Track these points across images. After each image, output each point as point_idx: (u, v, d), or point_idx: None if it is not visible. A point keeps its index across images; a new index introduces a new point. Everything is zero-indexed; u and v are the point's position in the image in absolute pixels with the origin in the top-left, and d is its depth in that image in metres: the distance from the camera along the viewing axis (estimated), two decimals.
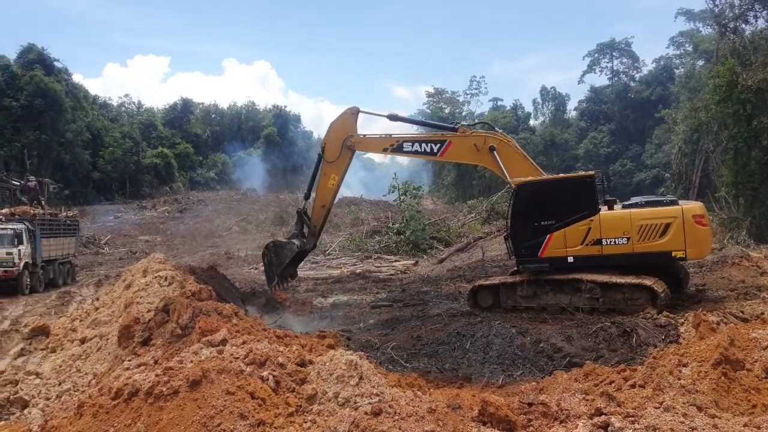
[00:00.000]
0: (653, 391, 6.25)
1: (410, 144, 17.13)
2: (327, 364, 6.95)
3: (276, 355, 6.97)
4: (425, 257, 33.54)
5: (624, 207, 14.86)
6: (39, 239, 24.96)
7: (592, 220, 14.43)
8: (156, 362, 8.20)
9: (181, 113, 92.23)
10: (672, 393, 6.12)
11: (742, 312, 12.77)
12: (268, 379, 6.47)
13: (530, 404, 6.02)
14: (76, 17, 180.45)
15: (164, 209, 64.18)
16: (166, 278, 13.63)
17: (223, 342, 7.52)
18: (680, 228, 13.72)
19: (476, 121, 60.08)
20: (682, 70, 75.48)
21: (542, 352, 11.76)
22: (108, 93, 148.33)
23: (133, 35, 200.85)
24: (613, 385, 6.81)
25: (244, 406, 5.89)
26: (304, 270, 21.11)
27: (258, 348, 7.12)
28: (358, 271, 28.34)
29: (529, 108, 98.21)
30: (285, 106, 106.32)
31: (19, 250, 23.51)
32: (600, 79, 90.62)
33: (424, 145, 16.97)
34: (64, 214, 30.18)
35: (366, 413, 5.69)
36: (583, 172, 16.69)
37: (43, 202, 28.86)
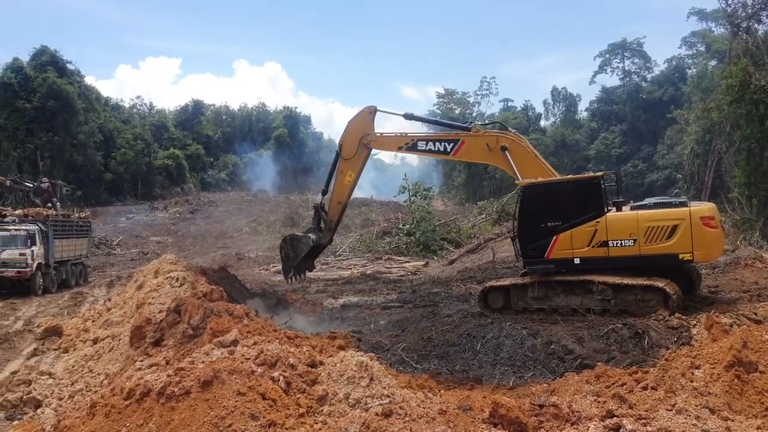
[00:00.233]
0: (665, 393, 6.21)
1: (424, 143, 17.36)
2: (338, 365, 6.95)
3: (287, 356, 6.98)
4: (435, 258, 33.50)
5: (632, 208, 14.80)
6: (52, 240, 25.13)
7: (598, 222, 14.39)
8: (168, 363, 8.23)
9: (193, 115, 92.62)
10: (684, 395, 6.08)
11: (755, 314, 12.72)
12: (279, 380, 6.48)
13: (541, 406, 5.99)
14: (88, 20, 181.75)
15: (175, 210, 64.40)
16: (177, 279, 13.70)
17: (234, 343, 7.54)
18: (687, 230, 13.61)
19: (487, 121, 59.98)
20: (694, 70, 74.94)
21: (553, 354, 11.72)
22: (120, 95, 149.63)
23: (145, 37, 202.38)
24: (624, 387, 6.77)
25: (255, 406, 5.91)
26: (314, 271, 21.16)
27: (269, 349, 7.13)
28: (368, 272, 28.35)
29: (539, 109, 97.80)
30: (295, 108, 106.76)
31: (32, 251, 23.68)
32: (611, 80, 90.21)
33: (438, 144, 17.17)
34: (77, 215, 30.38)
35: (377, 414, 5.69)
36: (590, 174, 16.67)
37: (58, 205, 29.04)
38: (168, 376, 6.62)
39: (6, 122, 59.45)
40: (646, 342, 11.75)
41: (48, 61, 64.06)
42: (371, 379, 6.65)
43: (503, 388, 10.19)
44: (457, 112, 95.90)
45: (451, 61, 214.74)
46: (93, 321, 14.23)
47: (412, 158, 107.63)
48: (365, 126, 17.53)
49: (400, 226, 39.99)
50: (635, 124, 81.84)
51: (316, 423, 6.01)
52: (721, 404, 5.87)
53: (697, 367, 6.70)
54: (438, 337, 13.60)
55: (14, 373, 11.05)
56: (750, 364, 6.50)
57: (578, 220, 14.59)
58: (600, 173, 15.73)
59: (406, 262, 32.00)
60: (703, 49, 74.96)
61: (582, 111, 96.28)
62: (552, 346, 11.93)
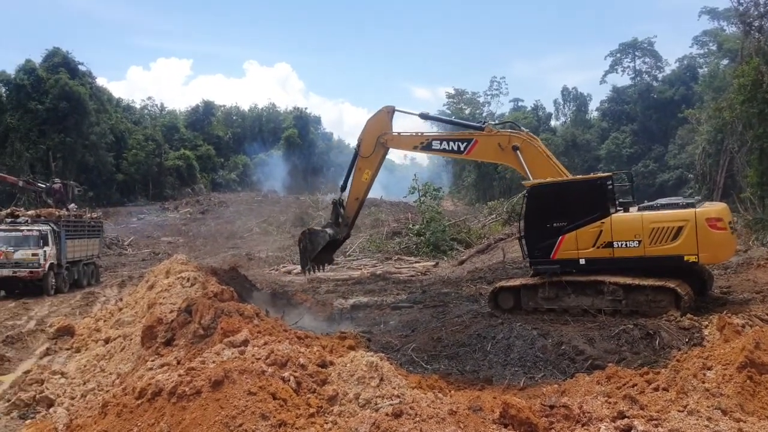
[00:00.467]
0: (677, 394, 6.17)
1: (439, 142, 17.71)
2: (348, 365, 6.96)
3: (297, 356, 7.00)
4: (445, 259, 33.44)
5: (640, 209, 14.73)
6: (64, 240, 25.31)
7: (603, 223, 14.34)
8: (179, 362, 8.27)
9: (203, 115, 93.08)
10: (696, 396, 6.04)
11: None
12: (289, 380, 6.50)
13: (552, 407, 5.98)
14: (100, 21, 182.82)
15: (186, 211, 64.71)
16: (188, 279, 13.76)
17: (245, 343, 7.57)
18: (692, 231, 13.49)
19: (497, 121, 59.92)
20: (705, 69, 74.26)
21: (564, 355, 11.68)
22: (131, 96, 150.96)
23: (156, 38, 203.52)
24: (635, 388, 6.74)
25: (266, 406, 5.92)
26: (324, 272, 21.28)
27: (279, 349, 7.15)
28: (378, 272, 28.33)
29: (550, 109, 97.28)
30: (305, 108, 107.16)
31: (45, 252, 23.88)
32: (622, 79, 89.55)
33: (452, 143, 17.43)
34: (89, 215, 30.58)
35: (387, 415, 5.69)
36: (595, 174, 16.63)
37: (71, 206, 29.24)
38: (179, 375, 6.65)
39: (18, 123, 60.00)
40: (657, 343, 11.68)
41: (60, 63, 64.61)
42: (381, 380, 6.65)
43: (513, 388, 10.17)
44: (467, 112, 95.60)
45: (461, 62, 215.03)
46: (105, 321, 14.34)
47: (422, 158, 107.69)
48: (383, 125, 17.90)
49: (410, 226, 39.99)
50: (646, 124, 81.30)
51: (327, 423, 6.01)
52: (734, 405, 5.83)
53: (709, 368, 6.66)
54: (448, 337, 13.59)
55: (27, 372, 11.12)
56: (762, 365, 6.44)
57: (583, 220, 14.55)
58: (607, 174, 15.67)
59: (416, 262, 31.97)
60: (714, 48, 74.31)
61: (592, 111, 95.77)
62: (563, 347, 11.89)
